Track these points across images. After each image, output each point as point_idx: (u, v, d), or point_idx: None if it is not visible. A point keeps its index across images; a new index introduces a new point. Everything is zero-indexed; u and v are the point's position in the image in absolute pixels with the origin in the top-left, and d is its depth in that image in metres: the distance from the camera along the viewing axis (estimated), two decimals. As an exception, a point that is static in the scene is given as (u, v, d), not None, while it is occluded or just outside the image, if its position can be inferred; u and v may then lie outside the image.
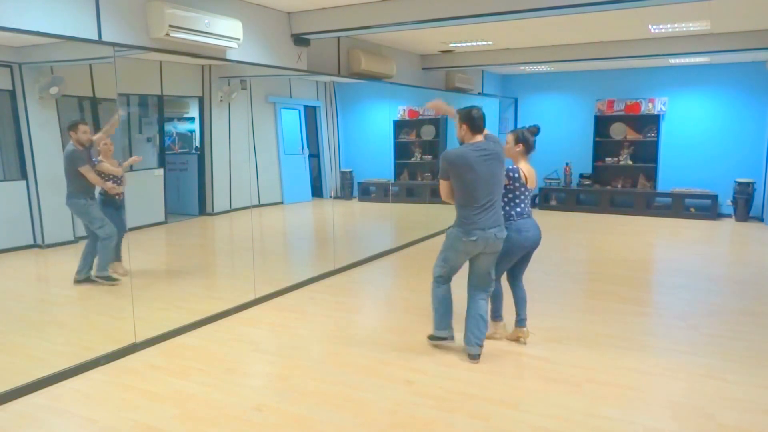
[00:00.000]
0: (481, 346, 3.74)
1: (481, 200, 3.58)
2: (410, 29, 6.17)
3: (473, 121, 3.65)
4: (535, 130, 3.97)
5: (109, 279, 4.79)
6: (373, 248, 7.02)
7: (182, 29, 4.55)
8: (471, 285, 3.84)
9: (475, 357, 3.73)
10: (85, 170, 4.65)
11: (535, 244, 3.97)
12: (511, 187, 3.89)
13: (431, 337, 4.03)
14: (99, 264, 4.79)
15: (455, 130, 3.79)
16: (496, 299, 4.15)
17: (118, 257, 5.02)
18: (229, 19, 5.02)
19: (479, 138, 3.68)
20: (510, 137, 3.96)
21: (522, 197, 3.90)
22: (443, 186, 3.74)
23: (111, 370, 3.64)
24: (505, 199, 3.92)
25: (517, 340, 4.07)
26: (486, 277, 3.79)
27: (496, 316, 4.18)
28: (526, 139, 3.91)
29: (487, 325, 3.83)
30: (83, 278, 4.82)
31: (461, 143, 3.74)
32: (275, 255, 7.15)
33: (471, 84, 10.14)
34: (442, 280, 3.90)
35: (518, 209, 3.88)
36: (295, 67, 6.24)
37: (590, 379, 3.49)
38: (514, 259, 3.99)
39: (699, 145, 10.09)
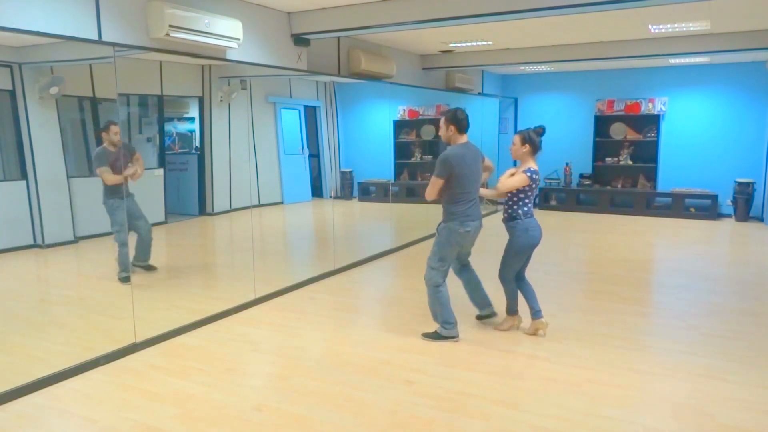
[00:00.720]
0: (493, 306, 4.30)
1: (472, 195, 3.92)
2: (410, 29, 6.17)
3: (460, 122, 3.89)
4: (541, 131, 4.08)
5: (126, 280, 4.83)
6: (373, 248, 7.02)
7: (182, 29, 4.55)
8: (460, 266, 4.27)
9: (494, 315, 4.29)
10: (101, 171, 4.69)
11: (538, 243, 4.11)
12: (527, 187, 4.00)
13: (433, 336, 4.08)
14: (119, 267, 4.88)
15: (441, 131, 4.00)
16: (510, 297, 4.26)
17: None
18: (229, 19, 5.02)
19: (465, 138, 3.93)
20: (516, 138, 4.07)
21: (531, 197, 4.04)
22: (437, 184, 3.87)
23: (111, 370, 3.64)
24: (515, 199, 4.03)
25: (536, 333, 4.14)
26: (467, 256, 4.27)
27: (512, 311, 4.29)
28: (532, 140, 4.03)
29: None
30: (140, 264, 5.08)
31: (447, 144, 3.95)
32: (275, 255, 7.15)
33: (471, 84, 10.14)
34: (443, 281, 4.02)
35: (525, 209, 4.01)
36: (295, 67, 6.24)
37: (590, 379, 3.49)
38: (524, 258, 4.12)
39: (699, 145, 10.09)
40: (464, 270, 4.31)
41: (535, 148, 4.02)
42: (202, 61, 5.78)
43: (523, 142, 4.02)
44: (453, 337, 4.04)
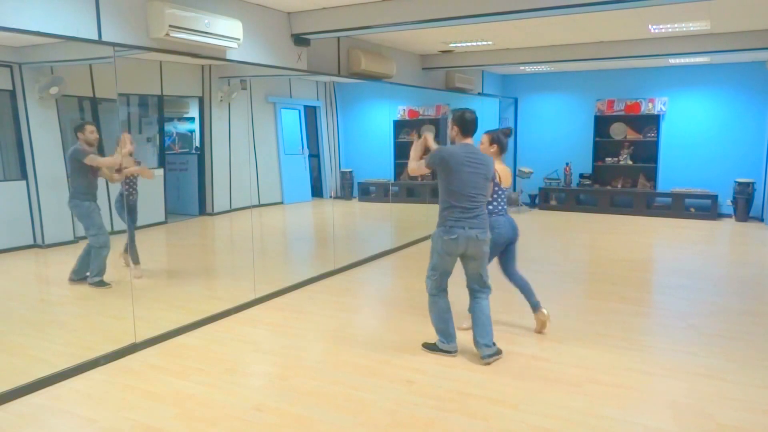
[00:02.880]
0: (489, 346, 3.72)
1: (463, 201, 3.62)
2: (410, 29, 6.17)
3: (465, 124, 3.74)
4: (508, 132, 4.19)
5: (102, 284, 4.79)
6: (373, 248, 7.02)
7: (182, 29, 4.55)
8: (468, 287, 3.87)
9: (486, 357, 3.69)
10: (90, 159, 4.61)
11: (509, 239, 4.15)
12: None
13: (430, 347, 3.91)
14: (92, 271, 4.77)
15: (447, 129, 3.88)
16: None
17: (135, 259, 5.07)
18: (229, 19, 5.02)
19: (469, 141, 3.77)
20: (485, 138, 4.12)
21: (494, 196, 4.06)
22: (420, 169, 3.79)
23: (111, 370, 3.64)
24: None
25: (543, 327, 4.19)
26: (479, 279, 3.80)
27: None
28: (500, 140, 4.12)
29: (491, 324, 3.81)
30: (79, 278, 4.83)
31: (452, 143, 3.85)
32: (275, 255, 7.15)
33: (471, 84, 10.14)
34: (437, 291, 3.82)
35: (490, 207, 4.02)
36: (295, 67, 6.24)
37: (590, 379, 3.49)
38: (492, 256, 4.08)
39: (699, 145, 10.09)
40: (474, 300, 3.85)
41: (503, 149, 4.13)
42: (202, 61, 5.77)
43: (492, 142, 4.10)
44: (449, 352, 3.82)
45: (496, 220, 4.04)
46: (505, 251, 4.20)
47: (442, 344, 3.86)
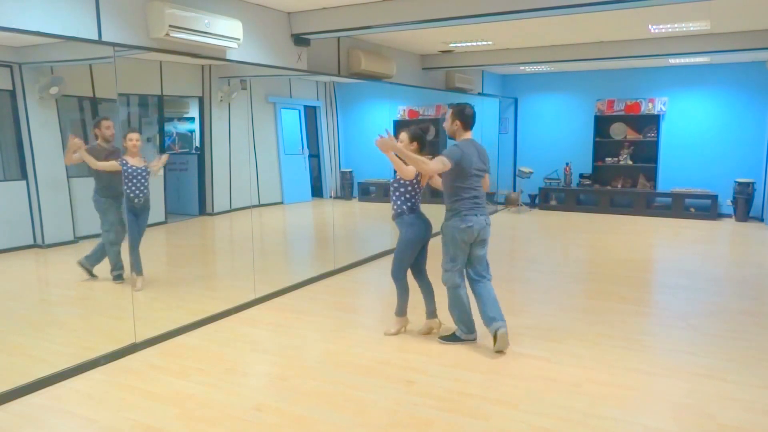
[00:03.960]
0: (500, 320, 3.80)
1: (471, 193, 3.81)
2: (410, 29, 6.17)
3: (467, 118, 3.85)
4: (427, 127, 4.24)
5: (119, 279, 4.82)
6: (373, 248, 7.02)
7: (182, 29, 4.55)
8: (473, 272, 3.94)
9: (500, 330, 3.74)
10: (75, 159, 4.63)
11: (427, 235, 4.12)
12: (407, 182, 4.02)
13: (448, 338, 4.05)
14: (110, 265, 4.83)
15: (447, 123, 3.94)
16: (401, 296, 4.20)
17: (139, 270, 4.99)
18: (229, 19, 5.02)
19: (470, 135, 3.88)
20: (404, 136, 4.02)
21: (414, 193, 4.05)
22: (446, 164, 3.71)
23: (111, 370, 3.64)
24: (397, 193, 4.05)
25: (430, 332, 4.18)
26: (484, 262, 3.95)
27: (401, 312, 4.22)
28: (419, 137, 4.01)
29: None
30: (85, 265, 4.87)
31: (451, 137, 3.93)
32: (275, 255, 7.15)
33: (471, 84, 10.15)
34: (460, 282, 3.94)
35: (409, 204, 4.04)
36: (295, 67, 6.24)
37: (590, 379, 3.49)
38: (414, 252, 4.10)
39: (699, 145, 10.09)
40: (481, 284, 3.93)
41: (423, 146, 4.02)
42: (202, 61, 5.78)
43: (411, 140, 3.99)
44: (471, 341, 4.00)
45: (413, 217, 4.02)
46: (420, 251, 4.17)
47: (464, 334, 4.00)
